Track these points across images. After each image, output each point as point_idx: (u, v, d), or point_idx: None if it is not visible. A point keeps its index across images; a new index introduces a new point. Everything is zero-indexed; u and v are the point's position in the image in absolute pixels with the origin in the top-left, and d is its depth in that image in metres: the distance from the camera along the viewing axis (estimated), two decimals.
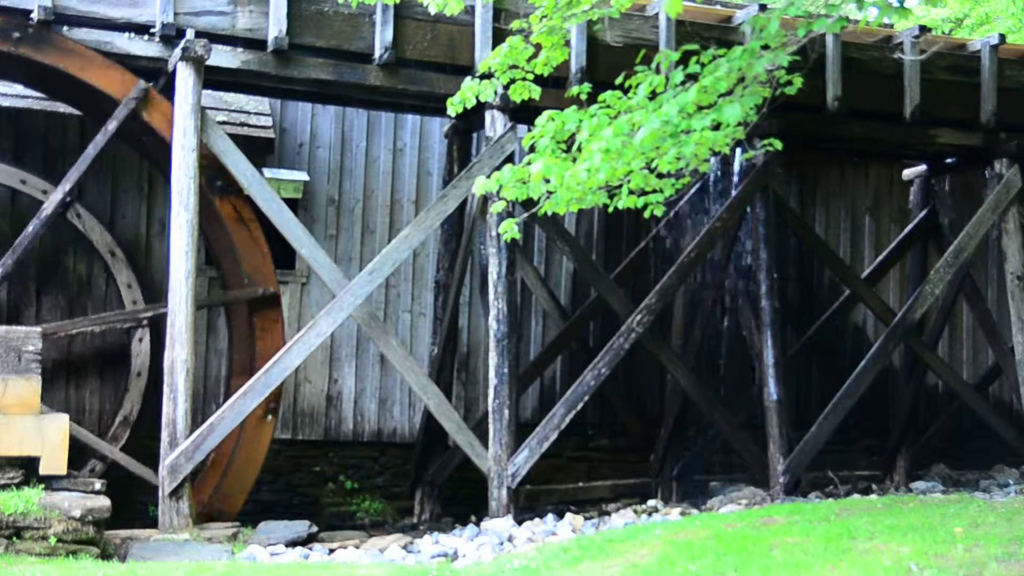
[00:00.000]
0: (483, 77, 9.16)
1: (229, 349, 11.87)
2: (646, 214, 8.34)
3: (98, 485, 9.27)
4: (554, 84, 10.86)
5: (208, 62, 10.27)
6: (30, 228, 10.70)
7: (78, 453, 10.89)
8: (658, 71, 7.64)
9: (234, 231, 10.80)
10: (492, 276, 11.06)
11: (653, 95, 7.44)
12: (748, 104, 7.04)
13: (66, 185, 10.69)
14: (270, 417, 10.92)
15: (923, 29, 12.81)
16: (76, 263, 12.37)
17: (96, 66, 10.23)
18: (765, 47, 7.27)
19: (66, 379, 12.25)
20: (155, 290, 12.13)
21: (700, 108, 7.17)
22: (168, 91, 10.44)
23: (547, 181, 7.77)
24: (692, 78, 7.33)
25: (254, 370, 10.76)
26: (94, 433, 11.74)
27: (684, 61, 7.64)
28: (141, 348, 11.96)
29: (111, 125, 10.42)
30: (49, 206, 10.70)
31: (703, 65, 7.41)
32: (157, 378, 10.95)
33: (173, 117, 10.25)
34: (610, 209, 8.36)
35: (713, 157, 9.17)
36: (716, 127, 7.27)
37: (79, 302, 12.36)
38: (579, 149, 7.78)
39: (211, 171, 10.59)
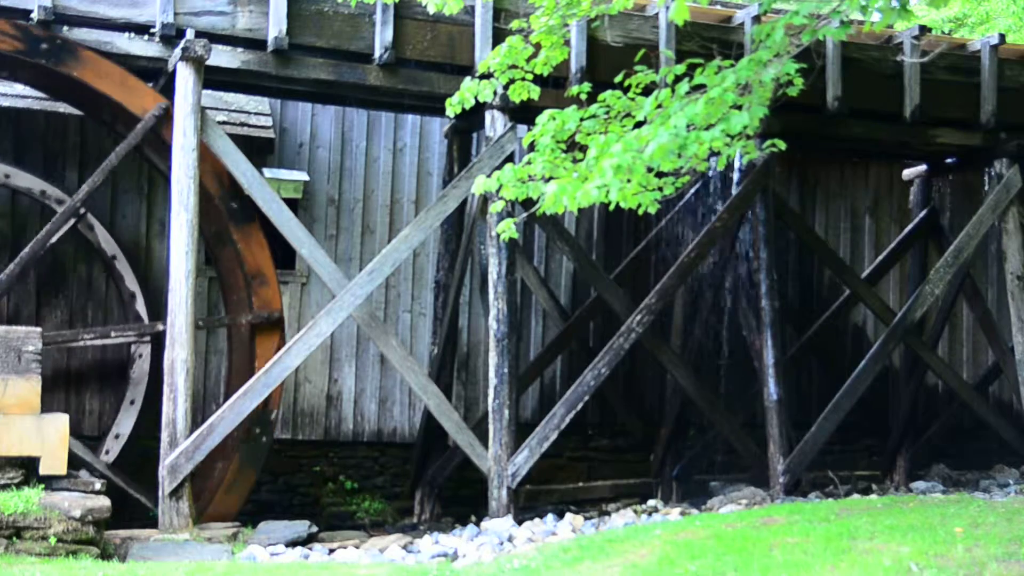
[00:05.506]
0: (482, 77, 9.16)
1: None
2: (640, 211, 8.35)
3: (98, 485, 9.27)
4: (554, 84, 10.87)
5: (208, 62, 10.27)
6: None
7: None
8: (665, 85, 7.64)
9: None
10: (492, 276, 11.06)
11: (659, 106, 7.44)
12: (756, 114, 7.06)
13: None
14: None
15: (923, 29, 12.81)
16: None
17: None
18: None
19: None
20: (156, 291, 12.12)
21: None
22: (168, 91, 10.45)
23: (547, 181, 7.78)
24: (698, 88, 7.34)
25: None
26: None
27: (689, 70, 7.65)
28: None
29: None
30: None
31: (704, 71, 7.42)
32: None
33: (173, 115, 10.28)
34: (611, 208, 8.36)
35: (713, 157, 9.18)
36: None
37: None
38: (581, 149, 7.78)
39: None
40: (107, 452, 11.72)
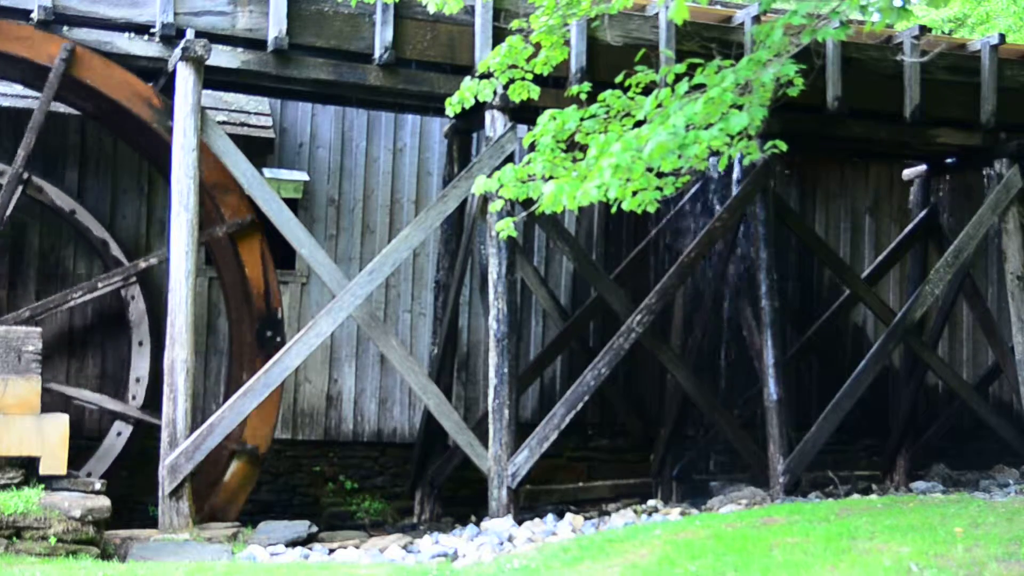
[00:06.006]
0: (482, 77, 9.17)
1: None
2: (639, 210, 8.34)
3: (98, 485, 9.27)
4: (554, 84, 10.87)
5: (208, 62, 10.27)
6: None
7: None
8: (665, 84, 7.65)
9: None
10: (492, 276, 11.06)
11: (659, 105, 7.45)
12: (757, 115, 7.07)
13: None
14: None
15: (923, 29, 12.81)
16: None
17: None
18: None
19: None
20: (155, 290, 12.13)
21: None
22: (168, 91, 10.45)
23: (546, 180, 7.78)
24: (698, 88, 7.35)
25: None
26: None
27: (689, 69, 7.65)
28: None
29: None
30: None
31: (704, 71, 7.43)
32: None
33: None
34: (613, 210, 8.37)
35: (714, 156, 9.19)
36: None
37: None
38: (581, 148, 7.78)
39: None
40: (134, 397, 11.95)
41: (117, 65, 10.35)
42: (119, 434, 11.88)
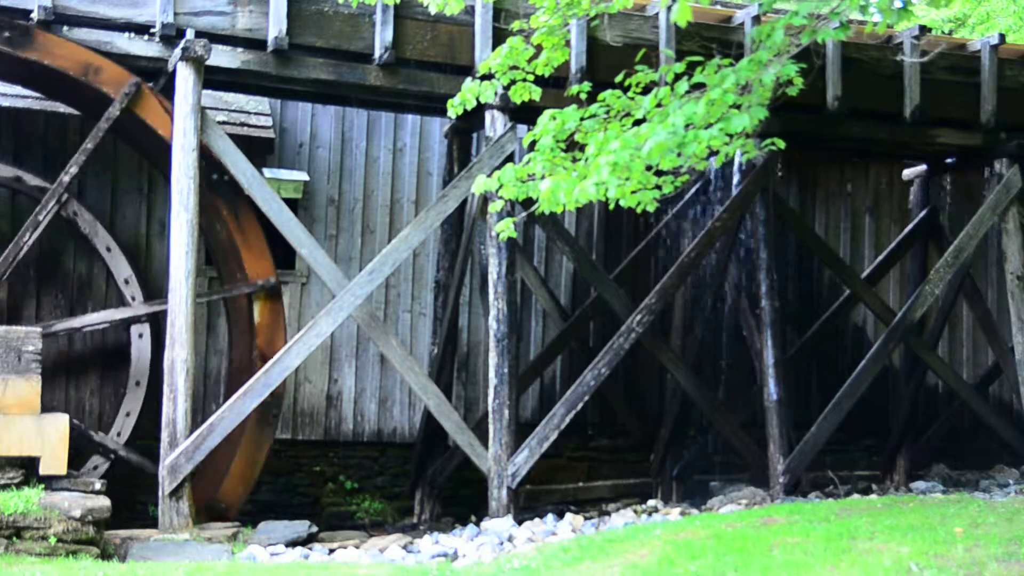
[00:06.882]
0: (483, 78, 9.18)
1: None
2: (638, 209, 8.34)
3: (98, 485, 9.27)
4: (554, 84, 10.86)
5: (208, 62, 10.27)
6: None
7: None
8: (665, 83, 7.65)
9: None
10: (492, 276, 11.06)
11: (659, 104, 7.45)
12: (756, 115, 7.07)
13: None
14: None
15: (923, 29, 12.81)
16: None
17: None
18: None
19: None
20: (156, 291, 12.13)
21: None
22: (168, 91, 10.45)
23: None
24: (698, 87, 7.35)
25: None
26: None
27: (689, 68, 7.66)
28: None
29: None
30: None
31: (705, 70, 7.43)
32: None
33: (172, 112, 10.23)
34: (611, 207, 8.37)
35: (713, 156, 9.20)
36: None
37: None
38: (580, 148, 7.79)
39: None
40: (133, 298, 11.91)
41: None
42: (140, 336, 11.94)
